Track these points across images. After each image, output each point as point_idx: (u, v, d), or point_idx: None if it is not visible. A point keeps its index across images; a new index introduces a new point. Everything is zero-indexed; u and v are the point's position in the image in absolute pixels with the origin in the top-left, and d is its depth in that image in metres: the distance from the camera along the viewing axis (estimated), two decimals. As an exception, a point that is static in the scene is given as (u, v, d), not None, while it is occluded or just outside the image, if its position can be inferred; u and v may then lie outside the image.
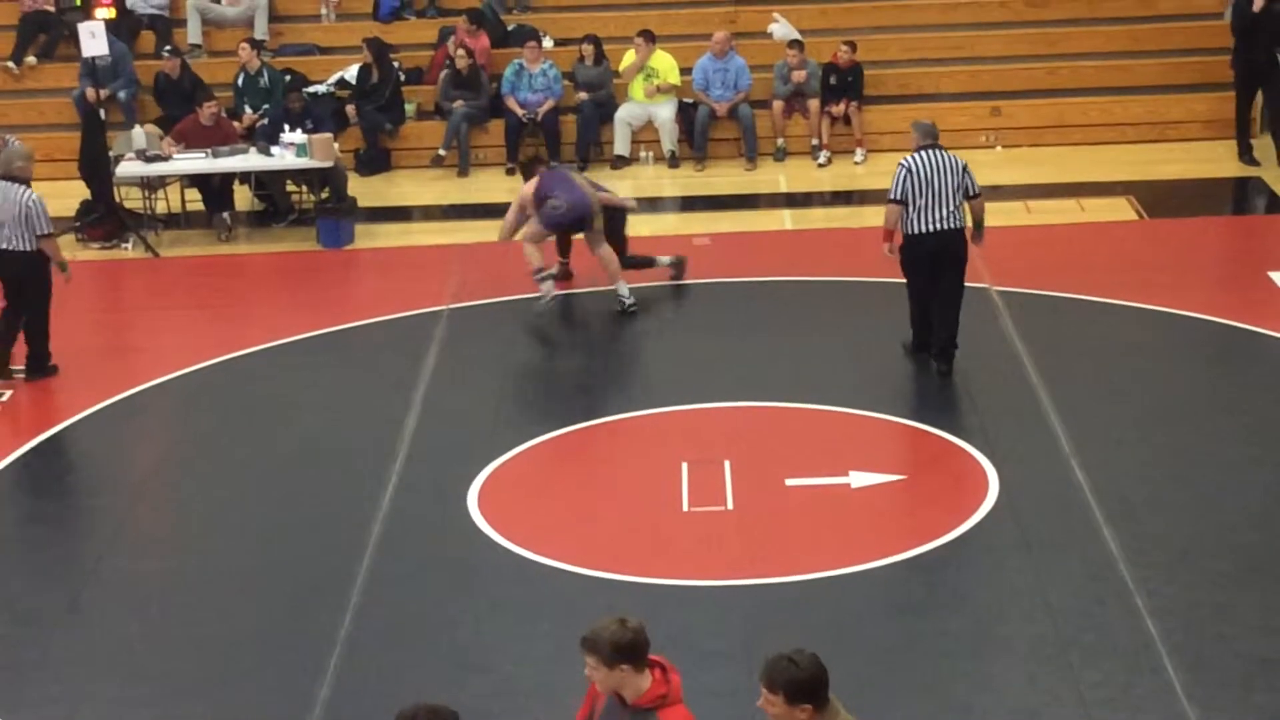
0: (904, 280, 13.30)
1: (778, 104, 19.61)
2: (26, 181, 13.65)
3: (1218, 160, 18.85)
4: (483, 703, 8.87)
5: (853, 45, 19.59)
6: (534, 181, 14.83)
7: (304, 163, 17.42)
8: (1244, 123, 18.70)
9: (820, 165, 19.38)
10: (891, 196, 12.94)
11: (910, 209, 12.89)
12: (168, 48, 19.98)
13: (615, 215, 15.18)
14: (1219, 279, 14.97)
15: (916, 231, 12.93)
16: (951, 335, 13.01)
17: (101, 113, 17.95)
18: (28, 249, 13.51)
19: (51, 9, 20.94)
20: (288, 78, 19.77)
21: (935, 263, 12.99)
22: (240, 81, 19.46)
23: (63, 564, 10.79)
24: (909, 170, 12.86)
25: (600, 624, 6.41)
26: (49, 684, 9.32)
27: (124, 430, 13.09)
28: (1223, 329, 13.76)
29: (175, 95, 19.32)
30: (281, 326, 14.68)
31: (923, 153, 12.92)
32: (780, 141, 19.68)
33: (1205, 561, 10.08)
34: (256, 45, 19.75)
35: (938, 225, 12.88)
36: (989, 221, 16.65)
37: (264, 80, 19.30)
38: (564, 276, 15.28)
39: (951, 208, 12.91)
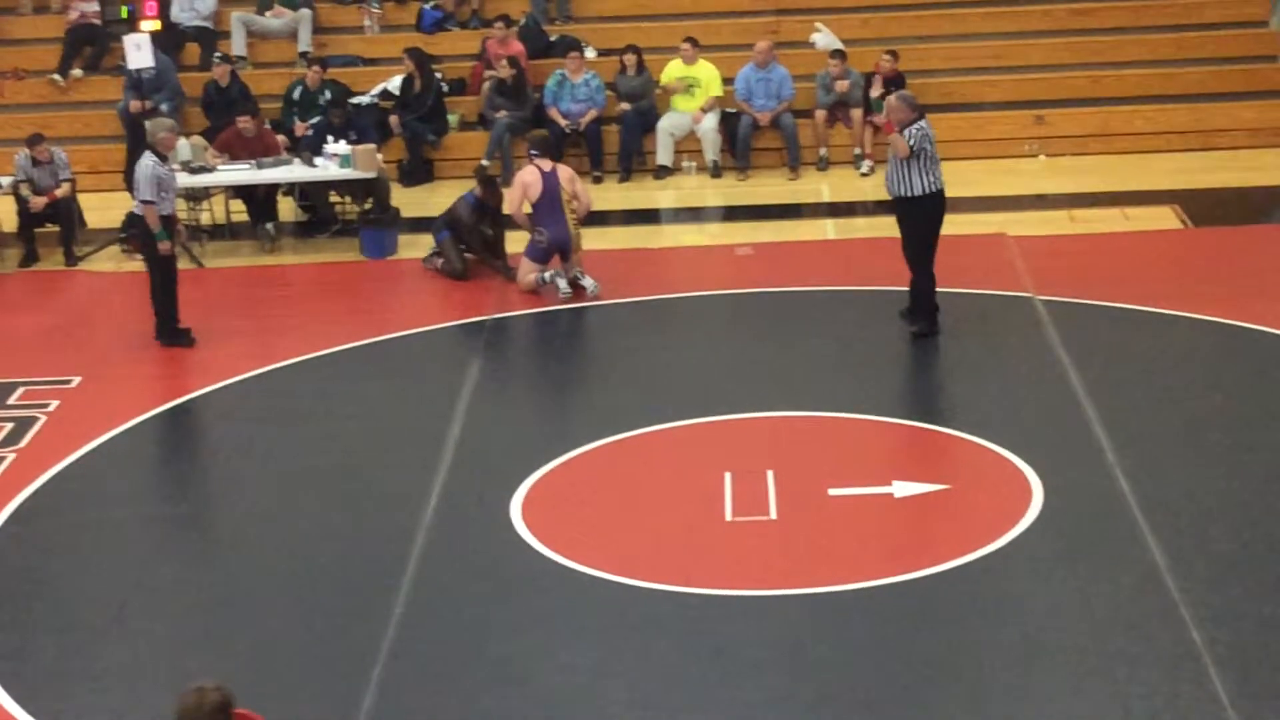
0: (911, 253, 13.99)
1: (820, 113, 19.60)
2: (161, 154, 14.51)
3: (1264, 169, 18.75)
4: (525, 713, 8.88)
5: (895, 54, 19.56)
6: (534, 174, 15.58)
7: (347, 173, 17.49)
8: None
9: (863, 175, 19.35)
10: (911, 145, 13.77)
11: (934, 168, 13.76)
12: (217, 54, 20.10)
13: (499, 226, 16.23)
14: (1265, 288, 14.86)
15: (940, 188, 13.86)
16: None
17: (146, 125, 18.03)
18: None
19: (98, 22, 21.07)
20: (327, 93, 19.82)
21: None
22: (297, 95, 19.52)
23: (109, 573, 10.83)
24: (926, 134, 13.73)
25: (183, 700, 6.70)
26: (96, 693, 9.35)
27: (169, 440, 13.17)
28: (1269, 338, 13.68)
29: (223, 104, 19.39)
30: (325, 337, 14.73)
31: (922, 121, 13.77)
32: (823, 151, 19.67)
33: (1252, 572, 10.01)
34: (324, 65, 19.87)
35: (942, 184, 13.90)
36: (1032, 230, 16.75)
37: (324, 97, 19.33)
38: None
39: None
